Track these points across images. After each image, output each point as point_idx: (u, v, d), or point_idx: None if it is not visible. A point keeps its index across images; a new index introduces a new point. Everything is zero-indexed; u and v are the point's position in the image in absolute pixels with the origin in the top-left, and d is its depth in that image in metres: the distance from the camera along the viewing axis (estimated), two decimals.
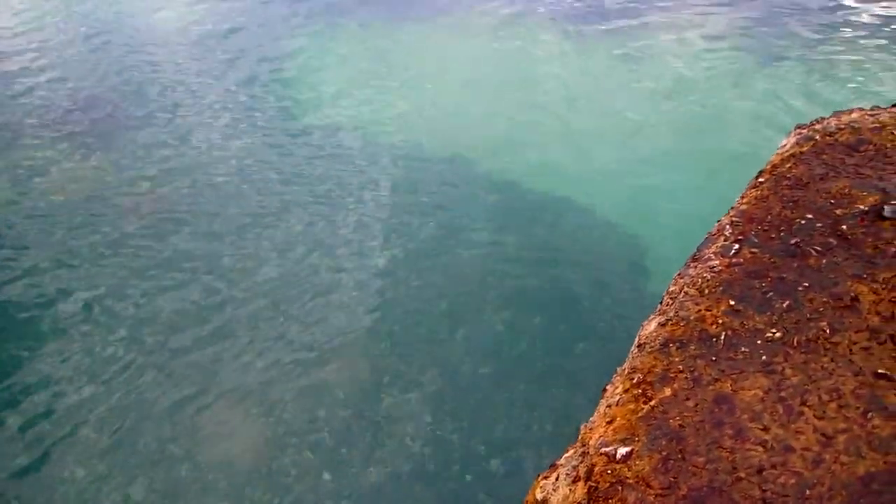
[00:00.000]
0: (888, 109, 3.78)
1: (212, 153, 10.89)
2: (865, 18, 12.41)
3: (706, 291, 2.64)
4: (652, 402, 2.30)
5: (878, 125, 3.53)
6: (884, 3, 12.83)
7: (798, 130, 3.81)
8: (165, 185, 10.23)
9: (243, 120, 11.63)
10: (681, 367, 2.37)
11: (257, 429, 7.29)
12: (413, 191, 9.83)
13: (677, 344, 2.46)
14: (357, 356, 7.97)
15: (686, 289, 2.72)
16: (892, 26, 12.01)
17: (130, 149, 11.11)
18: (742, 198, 3.31)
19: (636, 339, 2.67)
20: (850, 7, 12.93)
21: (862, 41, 11.68)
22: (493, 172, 9.92)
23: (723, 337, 2.44)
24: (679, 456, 2.09)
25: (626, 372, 2.51)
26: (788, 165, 3.39)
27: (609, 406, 2.50)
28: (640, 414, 2.30)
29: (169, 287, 8.68)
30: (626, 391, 2.44)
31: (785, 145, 3.75)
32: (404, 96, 11.81)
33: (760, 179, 3.38)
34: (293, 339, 8.07)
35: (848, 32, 12.02)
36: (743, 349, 2.38)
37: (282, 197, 9.85)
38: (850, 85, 10.63)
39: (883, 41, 11.62)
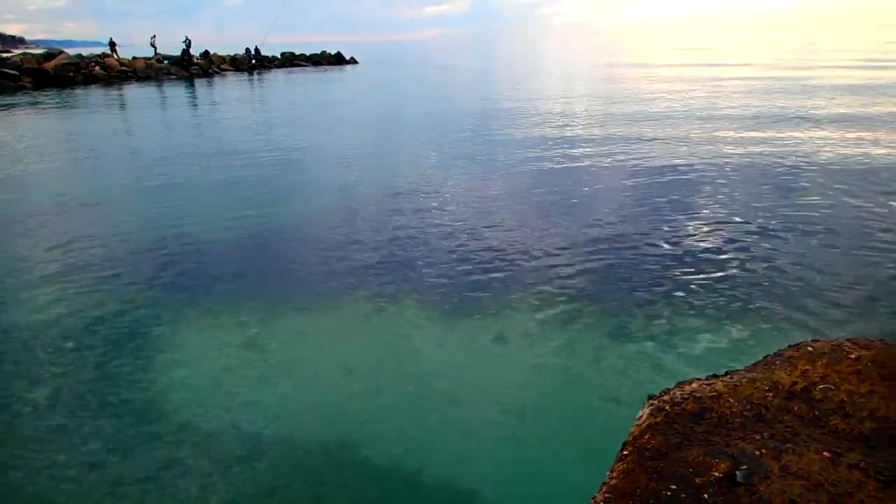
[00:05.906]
0: (721, 378, 4.22)
1: (61, 452, 9.81)
2: (699, 288, 14.36)
3: None
4: None
5: (715, 393, 3.91)
6: (715, 275, 15.02)
7: (650, 402, 4.13)
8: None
9: (103, 424, 10.71)
10: None
11: None
12: (286, 482, 9.18)
13: None
14: None
15: None
16: (725, 296, 13.94)
17: None
18: (612, 472, 3.41)
19: None
20: (685, 276, 15.00)
21: (697, 310, 13.36)
22: (375, 460, 9.54)
23: None
24: None
25: None
26: (647, 436, 3.59)
27: None
28: None
29: None
30: None
31: (641, 416, 4.02)
32: (278, 385, 11.58)
33: (625, 452, 3.54)
34: None
35: (684, 301, 13.76)
36: None
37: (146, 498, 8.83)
38: (689, 353, 11.85)
39: (714, 309, 13.36)
